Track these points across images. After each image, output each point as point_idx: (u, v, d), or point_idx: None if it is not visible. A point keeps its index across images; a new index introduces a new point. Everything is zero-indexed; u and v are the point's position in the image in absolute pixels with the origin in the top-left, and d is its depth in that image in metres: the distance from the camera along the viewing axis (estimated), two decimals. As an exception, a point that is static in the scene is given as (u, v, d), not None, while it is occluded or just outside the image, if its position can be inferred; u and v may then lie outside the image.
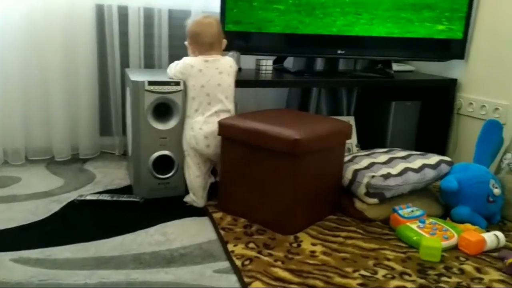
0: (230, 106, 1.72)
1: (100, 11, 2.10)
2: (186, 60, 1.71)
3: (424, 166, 1.69)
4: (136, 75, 1.76)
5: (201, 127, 1.65)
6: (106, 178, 1.93)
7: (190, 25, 1.74)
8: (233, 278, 1.25)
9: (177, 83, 1.69)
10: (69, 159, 2.13)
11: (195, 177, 1.69)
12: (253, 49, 2.09)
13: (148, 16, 2.17)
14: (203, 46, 1.70)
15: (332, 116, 2.39)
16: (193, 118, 1.67)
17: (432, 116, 2.30)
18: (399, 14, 2.09)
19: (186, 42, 1.75)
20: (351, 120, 2.32)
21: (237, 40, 2.04)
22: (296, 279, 1.24)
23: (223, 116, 1.68)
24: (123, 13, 2.12)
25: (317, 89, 2.48)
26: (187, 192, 1.72)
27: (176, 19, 2.16)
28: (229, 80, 1.72)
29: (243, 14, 1.97)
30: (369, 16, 2.07)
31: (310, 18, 2.02)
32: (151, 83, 1.65)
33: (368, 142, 2.31)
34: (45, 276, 1.20)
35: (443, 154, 1.96)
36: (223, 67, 1.71)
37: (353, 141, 2.30)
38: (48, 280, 1.19)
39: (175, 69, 1.73)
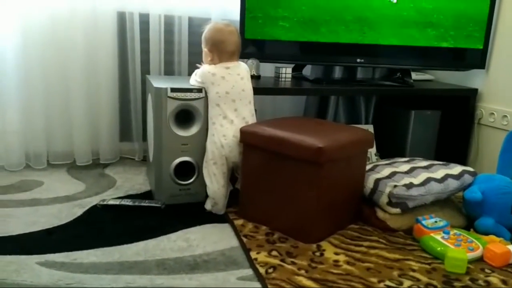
0: (254, 111, 1.73)
1: (121, 19, 2.14)
2: (206, 68, 1.70)
3: (447, 176, 1.68)
4: (158, 82, 1.77)
5: (234, 134, 1.64)
6: (126, 183, 1.95)
7: (210, 32, 1.72)
8: (257, 286, 1.25)
9: (199, 90, 1.70)
10: (90, 164, 2.15)
11: (221, 186, 1.67)
12: (271, 57, 2.11)
13: (169, 23, 2.20)
14: (226, 54, 1.70)
15: (350, 124, 2.39)
16: (223, 126, 1.65)
17: (452, 125, 2.28)
18: (403, 31, 2.09)
19: (205, 49, 1.73)
20: (370, 128, 2.31)
21: (256, 48, 2.06)
22: (320, 288, 1.24)
23: (252, 121, 1.69)
24: (144, 20, 2.14)
25: (335, 97, 2.48)
26: (207, 198, 1.72)
27: (196, 26, 2.18)
28: (250, 85, 1.73)
29: (252, 30, 2.01)
30: (374, 33, 2.08)
31: (317, 36, 2.04)
32: (173, 89, 1.66)
33: (387, 151, 2.30)
34: (72, 279, 1.21)
35: (464, 164, 1.94)
36: (243, 72, 1.72)
37: (372, 149, 2.29)
38: (75, 283, 1.19)
39: (195, 77, 1.74)
